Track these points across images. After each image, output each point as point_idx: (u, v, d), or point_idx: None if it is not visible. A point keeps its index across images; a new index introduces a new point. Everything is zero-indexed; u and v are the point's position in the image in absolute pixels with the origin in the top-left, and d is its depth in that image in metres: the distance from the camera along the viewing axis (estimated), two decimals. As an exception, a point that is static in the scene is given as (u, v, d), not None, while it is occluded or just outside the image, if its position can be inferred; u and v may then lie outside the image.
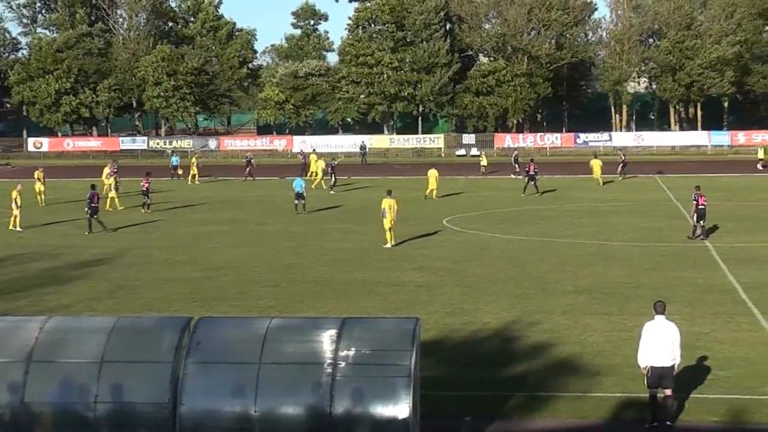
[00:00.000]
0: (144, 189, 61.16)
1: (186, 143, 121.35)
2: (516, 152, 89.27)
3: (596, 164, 75.41)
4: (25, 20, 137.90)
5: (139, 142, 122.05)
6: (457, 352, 26.50)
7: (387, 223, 44.99)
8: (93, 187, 53.48)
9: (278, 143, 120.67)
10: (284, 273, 38.74)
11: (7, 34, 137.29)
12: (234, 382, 17.60)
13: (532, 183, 66.99)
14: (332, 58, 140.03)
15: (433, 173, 67.29)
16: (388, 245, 44.79)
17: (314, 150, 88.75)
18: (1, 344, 18.31)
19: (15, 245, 47.31)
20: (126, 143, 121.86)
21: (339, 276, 37.97)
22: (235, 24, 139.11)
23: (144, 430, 17.54)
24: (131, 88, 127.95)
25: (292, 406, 17.33)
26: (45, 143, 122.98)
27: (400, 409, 17.09)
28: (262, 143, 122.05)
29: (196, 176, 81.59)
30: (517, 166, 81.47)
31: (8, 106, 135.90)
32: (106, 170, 69.79)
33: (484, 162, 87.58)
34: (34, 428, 17.60)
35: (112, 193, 61.84)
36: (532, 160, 70.82)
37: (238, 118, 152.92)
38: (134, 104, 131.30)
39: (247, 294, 34.72)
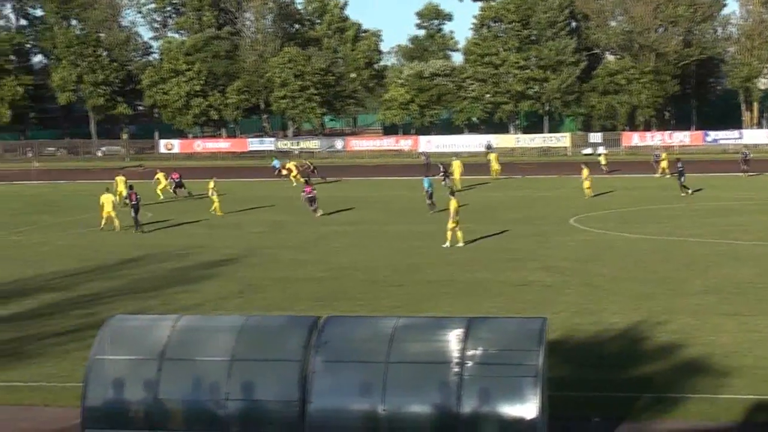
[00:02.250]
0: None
1: (313, 144, 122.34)
2: (747, 150, 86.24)
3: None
4: (155, 25, 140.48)
5: (267, 144, 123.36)
6: (583, 353, 26.31)
7: (452, 223, 44.91)
8: (131, 187, 56.96)
9: (404, 143, 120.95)
10: (408, 273, 38.84)
11: (138, 39, 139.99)
12: (361, 380, 17.72)
13: (680, 181, 66.06)
14: (457, 58, 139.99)
15: (457, 164, 72.11)
16: (460, 244, 44.78)
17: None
18: (135, 342, 18.73)
19: (146, 245, 48.26)
20: (254, 144, 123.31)
21: (463, 276, 37.95)
22: (360, 25, 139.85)
23: (273, 428, 17.74)
24: (259, 89, 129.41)
25: (419, 405, 17.39)
26: (176, 145, 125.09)
27: (528, 409, 17.05)
28: (388, 143, 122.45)
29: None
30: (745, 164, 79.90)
31: (140, 108, 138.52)
32: (160, 176, 71.05)
33: (603, 161, 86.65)
34: (167, 424, 17.93)
35: (215, 198, 61.70)
36: (678, 160, 70.07)
37: (364, 119, 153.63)
38: (262, 106, 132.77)
39: (372, 293, 34.90)
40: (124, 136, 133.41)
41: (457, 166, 74.27)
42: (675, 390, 22.88)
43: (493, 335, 18.21)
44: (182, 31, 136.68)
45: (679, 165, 67.21)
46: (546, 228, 50.97)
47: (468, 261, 41.29)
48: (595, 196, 63.91)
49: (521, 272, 38.25)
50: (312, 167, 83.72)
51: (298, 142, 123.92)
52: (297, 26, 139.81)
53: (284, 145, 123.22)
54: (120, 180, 67.87)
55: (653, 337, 27.64)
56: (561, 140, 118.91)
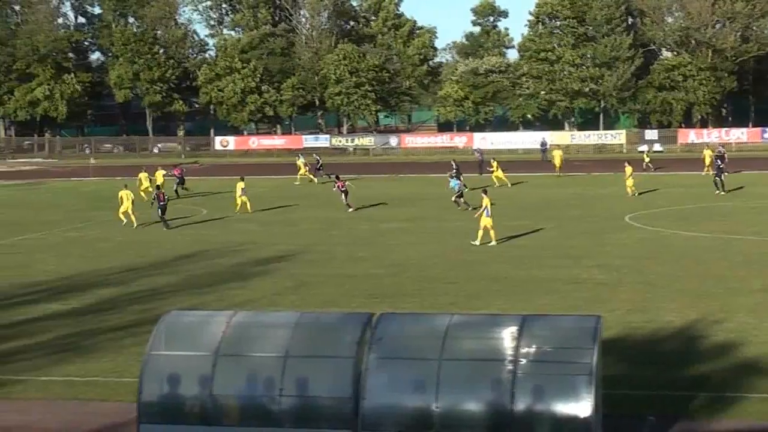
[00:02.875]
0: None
1: (367, 141, 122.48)
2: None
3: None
4: (212, 22, 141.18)
5: (322, 140, 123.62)
6: (638, 351, 26.17)
7: (487, 221, 44.80)
8: (159, 187, 58.05)
9: (458, 140, 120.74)
10: (463, 270, 38.82)
11: (195, 36, 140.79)
12: (415, 377, 17.73)
13: (718, 178, 65.41)
14: (512, 55, 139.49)
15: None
16: (493, 242, 44.63)
17: (299, 156, 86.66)
18: (190, 338, 18.85)
19: (202, 241, 48.57)
20: (309, 141, 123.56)
21: (518, 273, 37.87)
22: (415, 22, 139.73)
23: (327, 424, 17.79)
24: (314, 86, 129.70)
25: (472, 403, 17.38)
26: (231, 142, 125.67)
27: (582, 407, 16.98)
28: (443, 140, 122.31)
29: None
30: None
31: (197, 105, 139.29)
32: (142, 176, 69.89)
33: (646, 159, 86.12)
34: (222, 420, 18.04)
35: (245, 198, 61.16)
36: (717, 157, 69.53)
37: (418, 116, 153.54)
38: (317, 102, 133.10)
39: (427, 290, 34.91)
40: (180, 133, 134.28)
41: (496, 166, 74.45)
42: (731, 389, 22.70)
43: (547, 333, 18.16)
44: (238, 29, 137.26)
45: (718, 162, 66.76)
46: (601, 225, 50.73)
47: (523, 258, 41.19)
48: (640, 194, 63.39)
49: (576, 269, 38.11)
50: (319, 164, 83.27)
51: (352, 139, 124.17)
52: (352, 23, 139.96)
53: (339, 142, 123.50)
54: (144, 176, 68.59)
55: (710, 335, 27.44)
56: (616, 137, 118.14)
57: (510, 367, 17.36)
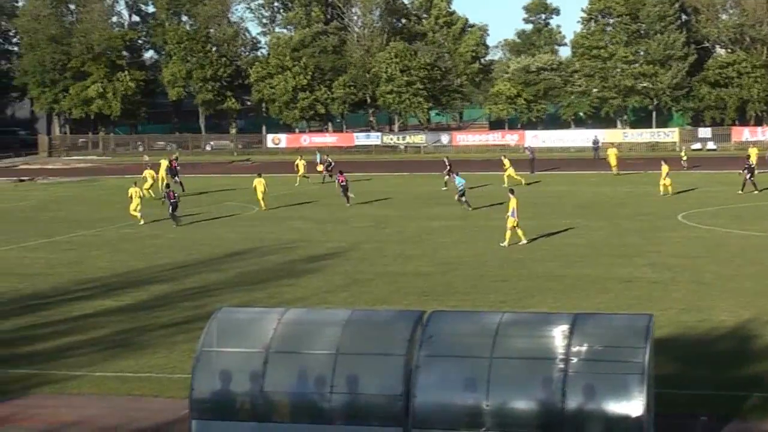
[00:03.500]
0: (342, 183, 62.77)
1: (418, 138, 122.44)
2: None
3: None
4: (264, 20, 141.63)
5: (373, 138, 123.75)
6: (691, 351, 26.00)
7: (513, 221, 44.41)
8: (168, 186, 58.88)
9: (510, 138, 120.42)
10: (514, 268, 38.74)
11: (247, 34, 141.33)
12: (466, 375, 17.72)
13: (750, 178, 64.69)
14: (564, 52, 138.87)
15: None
16: (523, 241, 44.29)
17: (301, 156, 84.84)
18: (242, 335, 18.95)
19: (253, 239, 48.78)
20: (360, 139, 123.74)
21: (569, 271, 37.74)
22: (467, 20, 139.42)
23: (377, 421, 17.82)
24: (365, 84, 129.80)
25: (523, 401, 17.35)
26: (283, 139, 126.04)
27: (634, 406, 16.91)
28: (494, 138, 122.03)
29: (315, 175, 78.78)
30: None
31: (249, 103, 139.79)
32: (148, 174, 70.42)
33: (684, 156, 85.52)
34: (273, 416, 18.11)
35: (260, 196, 61.69)
36: (749, 156, 69.10)
37: (469, 113, 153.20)
38: (368, 100, 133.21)
39: (478, 288, 34.88)
40: (233, 131, 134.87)
41: (508, 164, 73.71)
42: (786, 390, 22.51)
43: (599, 331, 18.08)
44: (290, 26, 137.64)
45: (749, 162, 66.29)
46: (654, 224, 50.43)
47: (575, 256, 41.03)
48: (675, 193, 62.72)
49: (628, 268, 37.93)
50: (330, 163, 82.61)
51: (403, 137, 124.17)
52: (404, 21, 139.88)
53: (390, 139, 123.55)
54: (149, 174, 69.65)
55: (763, 335, 27.22)
56: (669, 135, 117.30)
57: (561, 365, 17.31)
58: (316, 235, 49.56)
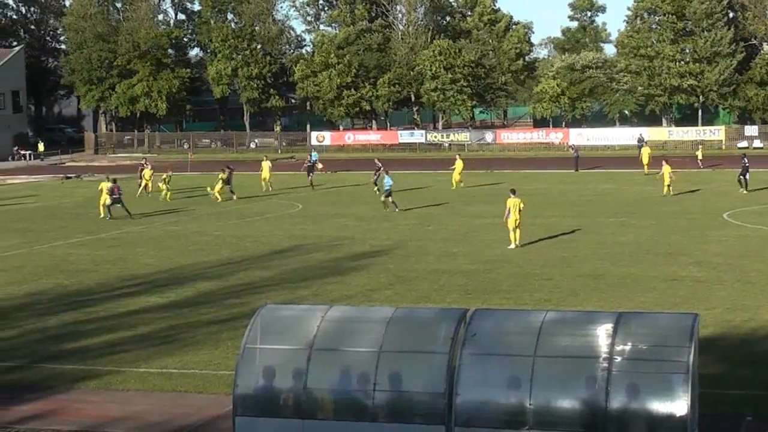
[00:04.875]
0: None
1: (462, 136, 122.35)
2: None
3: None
4: (308, 18, 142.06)
5: (417, 136, 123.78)
6: (736, 350, 25.84)
7: (511, 223, 43.51)
8: (114, 181, 59.68)
9: (554, 136, 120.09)
10: (558, 266, 38.64)
11: (291, 32, 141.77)
12: (509, 374, 17.70)
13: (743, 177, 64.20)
14: (609, 50, 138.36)
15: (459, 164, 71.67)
16: (512, 246, 43.29)
17: (266, 157, 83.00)
18: (285, 332, 19.01)
19: (297, 236, 48.94)
20: (404, 137, 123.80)
21: (614, 270, 37.59)
22: (512, 17, 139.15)
23: (420, 419, 17.84)
24: (409, 82, 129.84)
25: (567, 400, 17.31)
26: (327, 137, 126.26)
27: (678, 406, 16.83)
28: (539, 136, 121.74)
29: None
30: None
31: (293, 101, 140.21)
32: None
33: (699, 155, 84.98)
34: (316, 413, 18.17)
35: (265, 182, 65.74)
36: (744, 155, 68.90)
37: (514, 111, 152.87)
38: (412, 98, 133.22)
39: (522, 287, 34.82)
40: (277, 129, 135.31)
41: (458, 165, 73.01)
42: (832, 390, 22.32)
43: (643, 330, 18.00)
44: (334, 24, 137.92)
45: (745, 160, 65.77)
46: (699, 222, 50.15)
47: (619, 255, 40.86)
48: (675, 194, 61.96)
49: (673, 267, 37.73)
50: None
51: (447, 135, 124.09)
52: (448, 18, 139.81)
53: (434, 137, 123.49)
54: (147, 172, 72.12)
55: (810, 335, 27.01)
56: (715, 133, 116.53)
57: (605, 364, 17.26)
58: (360, 233, 49.63)
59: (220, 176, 67.10)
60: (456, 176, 71.88)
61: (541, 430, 17.28)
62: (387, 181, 58.78)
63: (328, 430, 18.10)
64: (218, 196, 65.69)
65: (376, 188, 64.58)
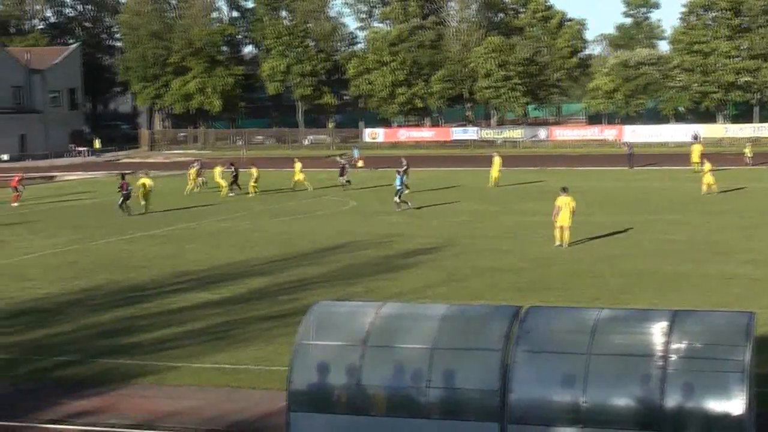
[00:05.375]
0: None
1: (516, 133, 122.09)
2: None
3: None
4: (361, 15, 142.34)
5: (470, 133, 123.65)
6: (793, 350, 25.55)
7: (560, 221, 42.87)
8: (123, 177, 62.86)
9: (608, 133, 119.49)
10: (611, 263, 38.43)
11: (345, 29, 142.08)
12: (563, 372, 17.61)
13: None
14: (663, 47, 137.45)
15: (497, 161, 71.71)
16: (559, 244, 42.76)
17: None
18: (339, 328, 19.02)
19: (349, 233, 49.00)
20: (457, 134, 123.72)
21: (667, 268, 37.31)
22: (565, 14, 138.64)
23: (473, 416, 17.79)
24: (462, 79, 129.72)
25: (621, 398, 17.19)
26: (380, 134, 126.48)
27: (734, 405, 16.67)
28: (592, 133, 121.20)
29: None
30: None
31: (346, 98, 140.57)
32: (218, 169, 72.27)
33: (749, 152, 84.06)
34: (370, 410, 18.17)
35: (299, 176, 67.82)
36: None
37: (568, 108, 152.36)
38: (465, 95, 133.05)
39: (574, 284, 34.67)
40: (330, 126, 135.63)
41: (496, 161, 72.63)
42: None
43: (699, 329, 17.84)
44: (387, 21, 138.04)
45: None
46: (755, 220, 49.69)
47: (672, 253, 40.58)
48: (720, 192, 61.32)
49: (729, 265, 37.40)
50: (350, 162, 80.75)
51: (501, 132, 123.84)
52: (501, 15, 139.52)
53: (487, 134, 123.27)
54: (193, 171, 73.60)
55: None
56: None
57: (660, 363, 17.12)
58: (412, 230, 49.62)
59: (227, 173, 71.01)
60: (495, 173, 71.42)
61: (595, 428, 17.17)
62: (398, 181, 58.69)
63: (382, 426, 18.09)
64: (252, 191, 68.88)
65: (407, 190, 64.13)
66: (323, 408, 18.34)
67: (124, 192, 59.38)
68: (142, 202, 60.29)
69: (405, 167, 65.10)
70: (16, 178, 69.31)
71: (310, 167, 77.60)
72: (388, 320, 18.90)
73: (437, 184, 73.80)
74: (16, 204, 66.51)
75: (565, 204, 43.11)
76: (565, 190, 44.25)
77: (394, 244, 45.03)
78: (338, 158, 73.44)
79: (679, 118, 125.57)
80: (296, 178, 71.55)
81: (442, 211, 56.90)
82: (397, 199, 58.18)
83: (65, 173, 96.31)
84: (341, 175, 71.22)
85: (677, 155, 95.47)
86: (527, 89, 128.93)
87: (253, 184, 69.00)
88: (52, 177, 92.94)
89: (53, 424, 21.68)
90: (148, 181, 61.76)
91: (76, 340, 28.87)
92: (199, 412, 22.17)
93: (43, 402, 23.02)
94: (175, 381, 24.51)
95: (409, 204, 57.81)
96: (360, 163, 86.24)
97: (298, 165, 72.72)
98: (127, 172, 68.96)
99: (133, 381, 24.59)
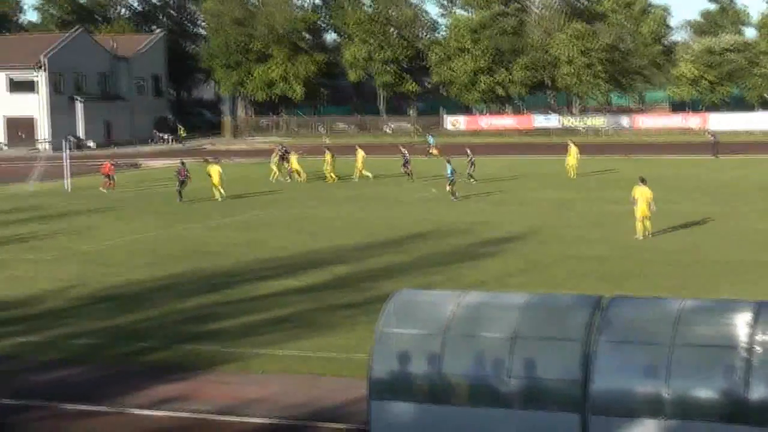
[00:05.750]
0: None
1: (598, 121, 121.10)
2: None
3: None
4: (443, 2, 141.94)
5: (552, 120, 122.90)
6: None
7: (638, 213, 42.16)
8: (183, 163, 63.58)
9: (692, 121, 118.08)
10: (694, 253, 38.09)
11: (426, 16, 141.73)
12: (646, 362, 17.51)
13: None
14: (750, 33, 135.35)
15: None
16: (639, 236, 42.00)
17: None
18: (420, 316, 19.10)
19: (431, 221, 49.04)
20: (539, 121, 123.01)
21: (752, 258, 36.90)
22: (648, 1, 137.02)
23: (555, 406, 17.77)
24: (544, 66, 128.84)
25: (704, 390, 17.07)
26: (462, 121, 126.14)
27: (819, 398, 16.50)
28: (676, 121, 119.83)
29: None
30: None
31: (428, 85, 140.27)
32: (294, 156, 72.78)
33: None
34: (451, 399, 18.23)
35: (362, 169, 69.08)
36: None
37: (651, 96, 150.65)
38: (547, 82, 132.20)
39: (656, 274, 34.42)
40: (412, 113, 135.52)
41: (572, 150, 71.08)
42: None
43: (784, 320, 17.65)
44: (468, 8, 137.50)
45: None
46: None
47: (757, 243, 40.09)
48: None
49: (815, 256, 36.90)
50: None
51: (583, 119, 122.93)
52: (583, 1, 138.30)
53: (569, 122, 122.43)
54: (275, 159, 73.50)
55: None
56: None
57: (744, 354, 16.98)
58: (495, 218, 49.54)
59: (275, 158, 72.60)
60: (572, 161, 70.38)
61: (678, 420, 17.08)
62: (448, 170, 58.30)
63: (463, 415, 18.15)
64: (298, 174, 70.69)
65: (472, 180, 63.77)
66: (404, 396, 18.43)
67: (181, 178, 60.91)
68: (221, 191, 60.65)
69: (470, 157, 65.08)
70: (108, 165, 70.36)
71: (391, 154, 77.61)
72: (469, 309, 18.93)
73: (519, 171, 73.53)
74: (105, 190, 67.51)
75: (641, 194, 42.45)
76: (643, 180, 43.47)
77: (477, 232, 45.00)
78: (401, 147, 72.91)
79: (766, 105, 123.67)
80: (358, 165, 71.48)
81: (525, 199, 56.72)
82: (449, 188, 58.08)
83: (150, 159, 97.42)
84: (404, 165, 70.17)
85: (763, 143, 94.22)
86: (610, 76, 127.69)
87: (328, 169, 69.35)
88: (137, 164, 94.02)
89: (139, 409, 22.02)
90: (215, 169, 62.21)
91: (161, 326, 29.28)
92: (283, 398, 22.40)
93: (128, 387, 23.40)
94: (259, 367, 24.75)
95: (456, 196, 57.38)
96: (434, 151, 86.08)
97: (360, 153, 72.02)
98: (186, 159, 69.41)
99: (218, 367, 24.88)
